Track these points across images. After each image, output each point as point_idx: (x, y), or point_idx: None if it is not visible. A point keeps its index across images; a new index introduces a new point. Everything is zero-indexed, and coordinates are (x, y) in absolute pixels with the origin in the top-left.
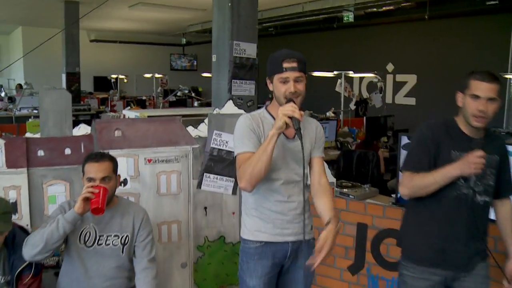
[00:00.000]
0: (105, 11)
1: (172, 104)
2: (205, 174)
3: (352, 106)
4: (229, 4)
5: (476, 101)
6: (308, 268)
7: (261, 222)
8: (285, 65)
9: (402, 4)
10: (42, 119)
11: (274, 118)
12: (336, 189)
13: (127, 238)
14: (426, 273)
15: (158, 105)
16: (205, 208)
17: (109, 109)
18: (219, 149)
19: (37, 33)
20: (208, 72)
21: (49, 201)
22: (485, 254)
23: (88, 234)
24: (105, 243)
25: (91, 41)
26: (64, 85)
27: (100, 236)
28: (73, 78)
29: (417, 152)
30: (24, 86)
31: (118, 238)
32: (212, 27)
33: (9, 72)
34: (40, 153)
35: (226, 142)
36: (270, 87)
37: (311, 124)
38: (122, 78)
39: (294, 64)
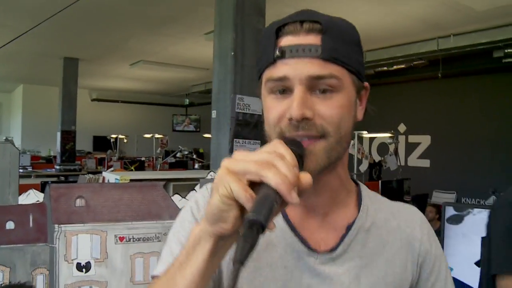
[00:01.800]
0: (105, 68)
1: (172, 166)
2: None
3: (365, 168)
4: (232, 53)
5: None
6: None
7: None
8: (285, 41)
9: (414, 63)
10: None
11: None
12: None
13: None
14: None
15: (156, 167)
16: None
17: (106, 169)
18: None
19: (37, 91)
20: (209, 133)
21: None
22: None
23: None
24: None
25: (92, 100)
26: (58, 143)
27: None
28: (68, 137)
29: (504, 244)
30: (3, 140)
31: None
32: (213, 79)
33: (9, 131)
34: None
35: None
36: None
37: (407, 218)
38: (122, 138)
39: (312, 39)
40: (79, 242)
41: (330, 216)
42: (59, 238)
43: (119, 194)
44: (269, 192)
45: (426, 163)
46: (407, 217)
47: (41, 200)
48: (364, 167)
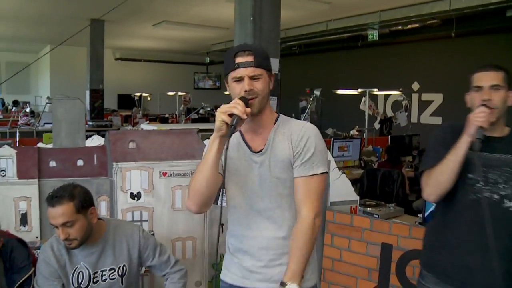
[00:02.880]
0: (129, 29)
1: (194, 122)
2: (222, 189)
3: (377, 125)
4: (251, 18)
5: (479, 91)
6: None
7: (230, 258)
8: (238, 59)
9: (428, 22)
10: (55, 129)
11: (240, 133)
12: (360, 208)
13: (125, 267)
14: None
15: (180, 122)
16: (222, 225)
17: (132, 126)
18: None
19: (64, 51)
20: None
21: None
22: None
23: (80, 274)
24: (101, 279)
25: (116, 59)
26: (88, 101)
27: (94, 274)
28: (96, 95)
29: (434, 151)
30: (46, 101)
31: (115, 270)
32: (234, 41)
33: (37, 90)
34: (52, 164)
35: None
36: (228, 90)
37: (289, 131)
38: (146, 96)
39: (249, 58)
40: (132, 176)
41: (262, 134)
42: (116, 173)
43: (162, 138)
44: (235, 116)
45: (438, 120)
46: (299, 126)
47: (102, 143)
48: (377, 123)
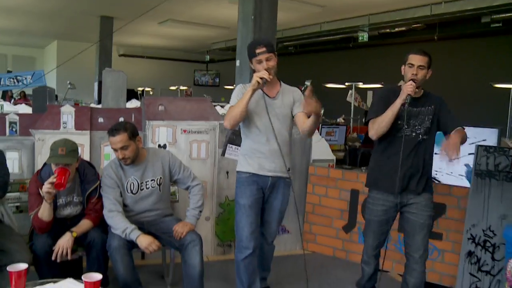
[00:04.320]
0: (136, 27)
1: None
2: (228, 145)
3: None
4: (252, 17)
5: (411, 68)
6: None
7: (250, 159)
8: (257, 50)
9: (413, 26)
10: (104, 93)
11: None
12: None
13: (161, 179)
14: (381, 200)
15: None
16: (227, 172)
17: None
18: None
19: (72, 46)
20: (231, 85)
21: (105, 158)
22: (430, 186)
23: (132, 184)
24: (146, 187)
25: (120, 55)
26: (96, 93)
27: (141, 184)
28: None
29: (377, 106)
30: (69, 86)
31: (154, 181)
32: (237, 36)
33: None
34: (100, 120)
35: None
36: (252, 67)
37: (292, 91)
38: (148, 91)
39: (264, 49)
40: (160, 131)
41: (274, 88)
42: (148, 129)
43: (183, 104)
44: (264, 79)
45: None
46: (293, 88)
47: (139, 106)
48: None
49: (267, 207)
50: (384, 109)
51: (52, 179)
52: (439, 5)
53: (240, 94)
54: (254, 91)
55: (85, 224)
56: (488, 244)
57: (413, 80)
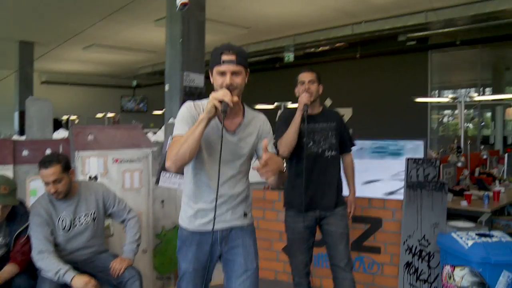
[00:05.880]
0: (58, 52)
1: None
2: (162, 172)
3: None
4: (180, 40)
5: (302, 85)
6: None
7: (191, 210)
8: (224, 57)
9: (336, 45)
10: (28, 124)
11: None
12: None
13: (95, 212)
14: (301, 216)
15: None
16: (162, 201)
17: None
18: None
19: None
20: (159, 110)
21: (31, 194)
22: (342, 199)
23: (64, 221)
24: (79, 223)
25: (42, 82)
26: (16, 123)
27: (74, 219)
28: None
29: (282, 128)
30: None
31: (88, 216)
32: (166, 60)
33: None
34: (25, 153)
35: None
36: (211, 80)
37: (258, 120)
38: (74, 119)
39: (232, 57)
40: (91, 162)
41: (235, 118)
42: (78, 160)
43: (113, 132)
44: (225, 103)
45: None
46: (259, 117)
47: (66, 136)
48: None
49: (226, 261)
50: (286, 130)
51: None
52: (359, 24)
53: (190, 120)
54: (210, 119)
55: (9, 269)
56: (423, 253)
57: (307, 91)
